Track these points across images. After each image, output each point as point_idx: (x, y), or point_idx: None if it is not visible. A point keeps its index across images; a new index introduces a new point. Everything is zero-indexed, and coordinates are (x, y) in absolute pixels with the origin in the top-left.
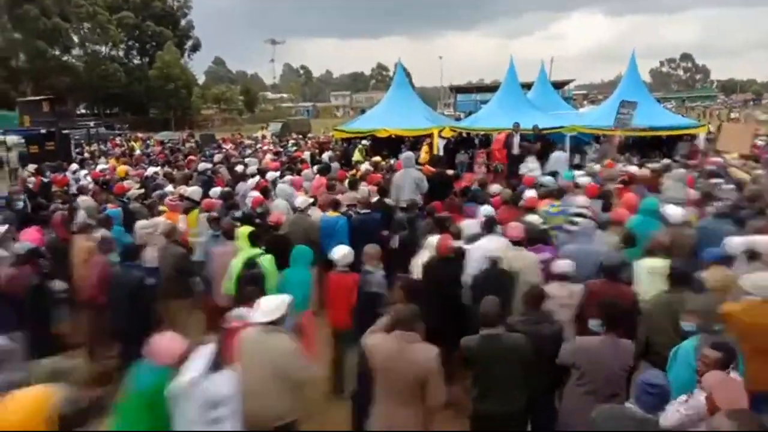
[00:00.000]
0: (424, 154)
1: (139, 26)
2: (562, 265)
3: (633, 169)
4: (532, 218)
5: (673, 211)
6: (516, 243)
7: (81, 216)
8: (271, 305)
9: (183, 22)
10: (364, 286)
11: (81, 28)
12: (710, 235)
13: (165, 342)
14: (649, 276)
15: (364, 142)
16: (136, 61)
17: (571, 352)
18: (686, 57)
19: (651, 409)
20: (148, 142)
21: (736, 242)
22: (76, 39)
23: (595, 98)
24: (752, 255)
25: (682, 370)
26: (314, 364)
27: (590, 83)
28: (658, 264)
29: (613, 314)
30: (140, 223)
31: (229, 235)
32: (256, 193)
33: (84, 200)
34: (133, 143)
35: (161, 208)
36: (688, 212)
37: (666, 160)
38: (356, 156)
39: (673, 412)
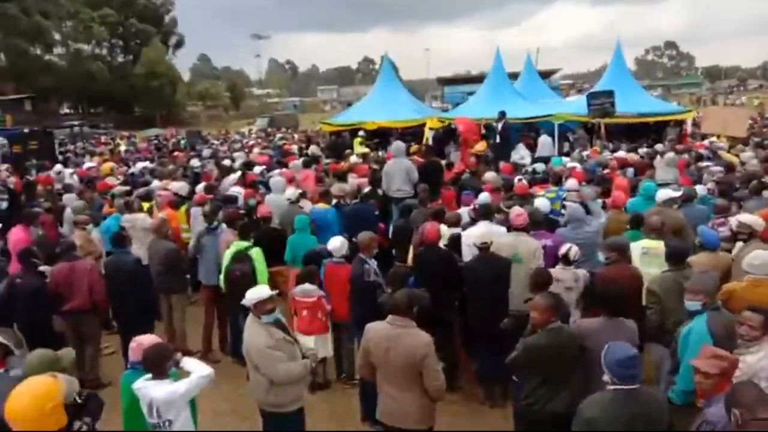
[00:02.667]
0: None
1: (123, 24)
2: (566, 248)
3: (622, 154)
4: (540, 203)
5: (661, 193)
6: (519, 229)
7: (68, 214)
8: (252, 295)
9: (167, 19)
10: (362, 276)
11: (63, 26)
12: (696, 217)
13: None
14: (643, 256)
15: (361, 133)
16: (120, 59)
17: None
18: (670, 45)
19: (633, 381)
20: (133, 139)
21: (732, 222)
22: (58, 37)
23: (582, 87)
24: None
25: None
26: (290, 363)
27: (576, 72)
28: (652, 245)
29: (609, 296)
30: (123, 218)
31: (233, 224)
32: (238, 188)
33: (69, 198)
34: (119, 141)
35: (144, 204)
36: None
37: (658, 146)
38: (356, 147)
39: None
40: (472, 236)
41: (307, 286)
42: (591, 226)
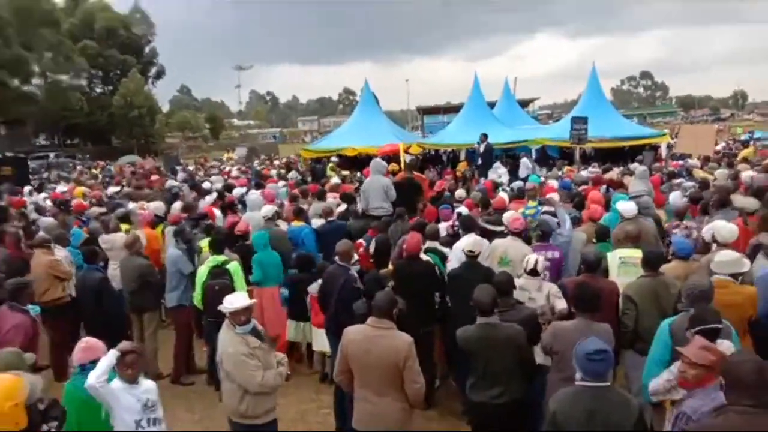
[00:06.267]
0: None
1: (102, 55)
2: (532, 260)
3: (598, 171)
4: (508, 215)
5: (625, 206)
6: (515, 234)
7: (41, 235)
8: (228, 300)
9: (147, 50)
10: (349, 281)
11: (43, 57)
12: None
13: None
14: (622, 266)
15: (333, 159)
16: (99, 90)
17: (550, 336)
18: (646, 75)
19: (600, 377)
20: (109, 166)
21: (705, 230)
22: (37, 68)
23: (560, 117)
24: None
25: (658, 347)
26: (265, 372)
27: (554, 103)
28: (629, 254)
29: (584, 296)
30: (102, 238)
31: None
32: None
33: (44, 220)
34: (93, 170)
35: (123, 226)
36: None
37: (633, 165)
38: (328, 173)
39: (658, 380)
40: (462, 245)
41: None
42: (562, 235)
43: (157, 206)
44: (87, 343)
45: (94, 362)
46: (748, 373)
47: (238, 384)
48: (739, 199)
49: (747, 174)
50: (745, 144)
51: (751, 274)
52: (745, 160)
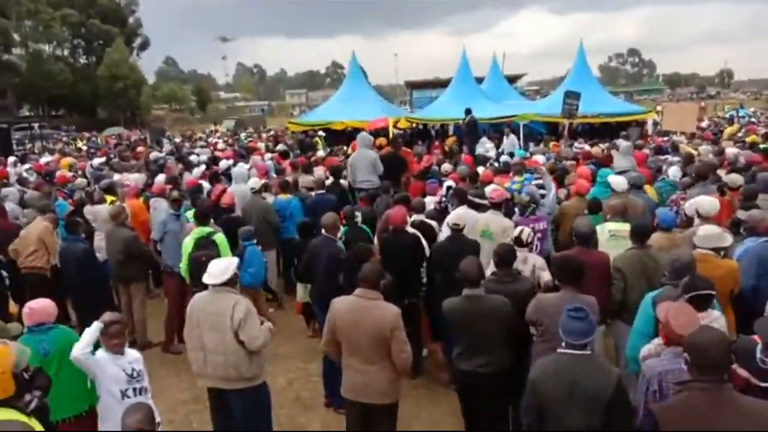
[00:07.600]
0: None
1: (84, 24)
2: (519, 231)
3: (586, 147)
4: (490, 188)
5: (617, 180)
6: (495, 206)
7: (9, 207)
8: (219, 267)
9: (131, 20)
10: (339, 253)
11: (22, 26)
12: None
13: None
14: (612, 239)
15: (320, 133)
16: (83, 60)
17: (533, 308)
18: (633, 52)
19: (581, 336)
20: (94, 138)
21: (688, 205)
22: (17, 37)
23: (548, 93)
24: (699, 215)
25: (641, 320)
26: (265, 329)
27: (542, 79)
28: (619, 227)
29: (566, 268)
30: (86, 209)
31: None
32: (205, 182)
33: (11, 191)
34: (78, 141)
35: (108, 197)
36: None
37: (619, 141)
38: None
39: (650, 345)
40: (448, 218)
41: None
42: (545, 206)
43: (137, 178)
44: (30, 308)
45: (39, 324)
46: (712, 351)
47: (243, 343)
48: (724, 175)
49: (731, 151)
50: (730, 121)
51: (733, 248)
52: (730, 137)
